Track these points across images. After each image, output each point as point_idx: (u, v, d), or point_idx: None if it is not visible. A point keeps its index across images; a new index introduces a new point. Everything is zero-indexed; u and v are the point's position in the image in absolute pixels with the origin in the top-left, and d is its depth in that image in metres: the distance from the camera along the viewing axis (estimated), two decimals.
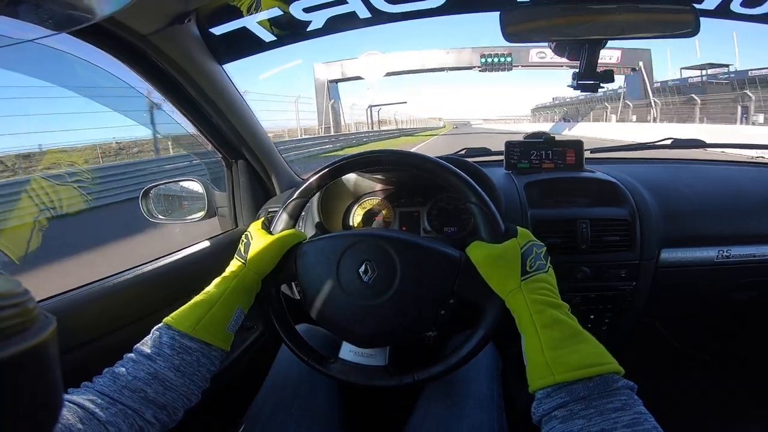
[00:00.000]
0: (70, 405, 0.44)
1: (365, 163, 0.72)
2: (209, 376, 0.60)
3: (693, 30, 0.74)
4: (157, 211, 1.12)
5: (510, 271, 0.55)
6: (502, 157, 1.17)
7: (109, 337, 0.78)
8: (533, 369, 0.49)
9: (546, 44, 0.93)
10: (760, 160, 1.25)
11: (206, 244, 1.05)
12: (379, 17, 0.96)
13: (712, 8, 0.83)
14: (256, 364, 0.95)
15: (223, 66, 0.97)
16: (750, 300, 1.11)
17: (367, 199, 1.15)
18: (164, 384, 0.53)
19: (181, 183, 1.15)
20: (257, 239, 0.69)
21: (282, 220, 0.72)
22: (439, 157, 0.98)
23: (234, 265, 0.68)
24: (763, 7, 0.82)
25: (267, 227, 0.72)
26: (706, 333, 1.43)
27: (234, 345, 1.03)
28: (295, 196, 0.72)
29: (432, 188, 1.10)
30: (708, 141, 1.21)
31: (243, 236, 0.72)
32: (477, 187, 0.64)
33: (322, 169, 0.72)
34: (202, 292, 0.64)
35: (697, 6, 0.79)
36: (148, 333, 0.59)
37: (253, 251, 0.67)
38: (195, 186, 1.14)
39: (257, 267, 0.67)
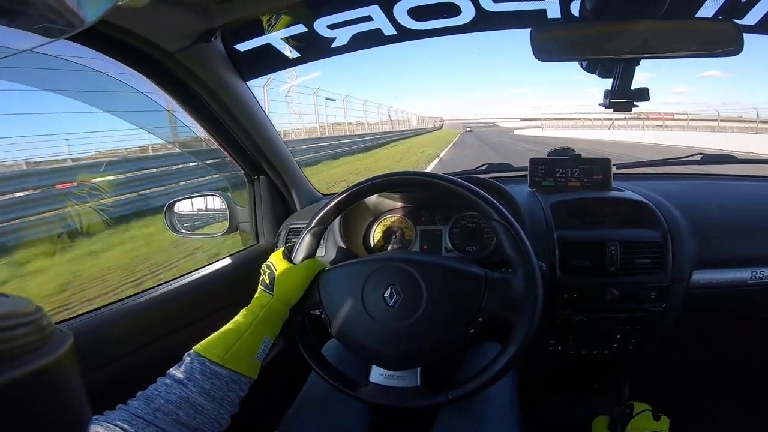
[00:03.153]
0: (110, 425, 0.46)
1: (382, 187, 0.73)
2: (238, 401, 0.61)
3: (737, 48, 0.71)
4: (181, 225, 1.14)
5: None
6: (524, 173, 1.15)
7: (137, 355, 0.80)
8: None
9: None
10: None
11: (228, 261, 1.06)
12: (405, 34, 0.96)
13: (753, 24, 0.80)
14: (281, 384, 0.95)
15: (246, 82, 0.97)
16: None
17: (387, 217, 1.15)
18: (195, 408, 0.55)
19: (203, 198, 1.16)
20: (282, 270, 0.70)
21: (303, 248, 0.73)
22: (458, 174, 0.97)
23: (261, 296, 0.70)
24: None
25: (288, 256, 0.74)
26: (736, 355, 1.39)
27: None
28: (314, 224, 0.73)
29: (454, 206, 1.09)
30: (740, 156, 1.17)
31: (264, 267, 0.73)
32: (500, 206, 0.65)
33: (341, 195, 0.73)
34: (231, 322, 0.66)
35: (738, 22, 0.77)
36: (178, 349, 0.61)
37: (279, 282, 0.69)
38: (217, 201, 1.15)
39: (284, 297, 0.69)
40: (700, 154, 1.17)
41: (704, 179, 1.24)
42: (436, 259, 0.69)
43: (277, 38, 0.95)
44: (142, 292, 0.87)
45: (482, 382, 0.63)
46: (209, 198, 1.15)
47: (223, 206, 1.15)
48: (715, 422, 1.29)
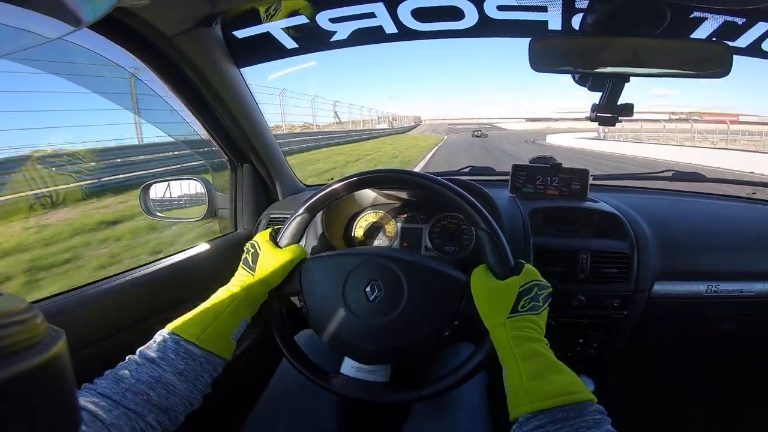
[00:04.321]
0: None
1: (378, 181, 0.73)
2: (211, 381, 0.61)
3: (725, 70, 0.73)
4: (156, 207, 1.09)
5: (500, 307, 0.58)
6: (506, 178, 1.18)
7: (110, 339, 0.77)
8: (514, 397, 0.52)
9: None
10: (755, 196, 1.30)
11: (206, 246, 1.03)
12: (406, 34, 0.95)
13: (744, 46, 0.84)
14: (253, 369, 0.95)
15: (241, 69, 0.94)
16: (732, 333, 1.17)
17: (370, 212, 1.15)
18: (167, 388, 0.53)
19: (182, 181, 1.11)
20: (266, 252, 0.69)
21: (289, 233, 0.72)
22: (441, 175, 0.98)
23: (242, 275, 0.68)
24: None
25: (274, 239, 0.72)
26: (690, 361, 1.50)
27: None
28: (302, 211, 0.72)
29: (435, 206, 1.11)
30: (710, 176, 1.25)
31: (249, 245, 0.72)
32: (488, 215, 0.65)
33: (334, 184, 0.72)
34: (208, 301, 0.64)
35: (730, 44, 0.79)
36: (149, 335, 0.59)
37: (262, 263, 0.68)
38: (196, 185, 1.11)
39: (266, 279, 0.68)
40: (672, 170, 1.24)
41: (674, 195, 1.31)
42: (420, 259, 0.69)
43: (277, 28, 0.93)
44: (114, 275, 0.84)
45: (451, 383, 0.64)
46: (188, 182, 1.11)
47: (202, 191, 1.11)
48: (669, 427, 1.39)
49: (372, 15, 0.93)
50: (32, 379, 0.21)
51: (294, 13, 0.89)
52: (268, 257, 0.68)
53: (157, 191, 1.09)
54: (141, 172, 6.61)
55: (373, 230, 1.15)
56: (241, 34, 0.90)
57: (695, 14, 0.76)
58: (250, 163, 1.10)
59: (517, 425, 0.50)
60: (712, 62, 0.72)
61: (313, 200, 0.72)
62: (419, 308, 0.65)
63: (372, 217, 1.15)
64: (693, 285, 1.04)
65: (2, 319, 0.21)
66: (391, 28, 0.95)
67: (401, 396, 0.68)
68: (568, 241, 1.01)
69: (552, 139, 31.36)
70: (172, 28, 0.75)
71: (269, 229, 0.74)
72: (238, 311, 0.64)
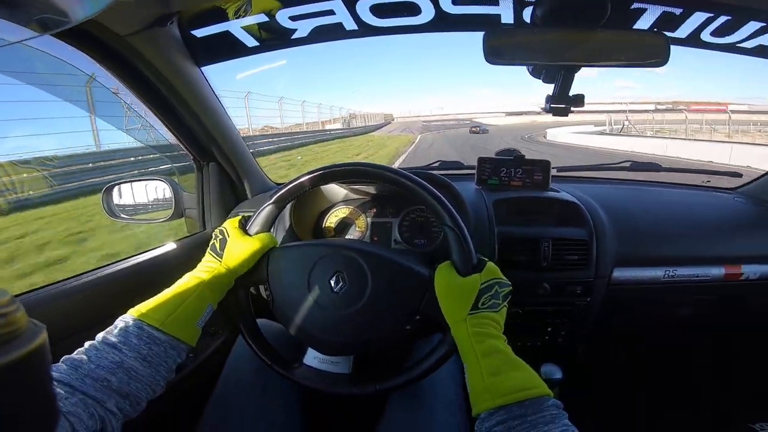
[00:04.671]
0: None
1: (345, 175, 0.73)
2: (175, 367, 0.60)
3: (663, 59, 0.76)
4: (120, 209, 1.08)
5: (461, 304, 0.59)
6: (473, 171, 1.20)
7: (73, 338, 0.75)
8: (475, 394, 0.53)
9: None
10: (708, 184, 1.35)
11: (173, 246, 1.03)
12: (365, 30, 0.96)
13: (683, 37, 0.88)
14: (222, 369, 0.94)
15: (201, 68, 0.94)
16: (689, 316, 1.21)
17: (340, 208, 1.16)
18: (129, 374, 0.52)
19: (146, 182, 1.10)
20: (235, 238, 0.69)
21: (259, 222, 0.72)
22: (409, 169, 1.00)
23: (208, 261, 0.68)
24: (730, 37, 0.86)
25: (243, 226, 0.72)
26: (651, 346, 1.54)
27: (199, 349, 1.03)
28: (273, 200, 0.72)
29: (404, 200, 1.12)
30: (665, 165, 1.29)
31: (217, 232, 0.71)
32: (455, 212, 0.66)
33: (302, 177, 0.72)
34: (173, 286, 0.63)
35: (668, 34, 0.84)
36: None
37: (230, 250, 0.67)
38: (162, 186, 1.10)
39: (232, 266, 0.67)
40: (630, 161, 1.29)
41: (632, 185, 1.36)
42: (385, 253, 0.69)
43: (237, 26, 0.93)
44: (77, 275, 0.83)
45: (411, 377, 0.65)
46: (153, 183, 1.10)
47: (168, 191, 1.10)
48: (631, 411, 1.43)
49: (331, 12, 0.93)
50: (12, 372, 0.21)
51: (254, 11, 0.89)
52: (236, 244, 0.68)
53: (121, 193, 1.08)
54: (96, 180, 6.46)
55: (344, 225, 1.16)
56: (200, 33, 0.89)
57: (636, 5, 0.79)
58: (215, 161, 1.10)
59: (479, 421, 0.51)
60: (650, 52, 0.75)
61: (283, 191, 0.72)
62: (382, 301, 0.65)
63: (342, 212, 1.16)
64: (651, 270, 1.08)
65: None
66: (350, 25, 0.97)
67: (361, 389, 0.68)
68: (530, 230, 1.04)
69: (556, 135, 24.72)
70: (125, 28, 0.74)
71: (239, 217, 0.74)
72: (204, 297, 0.63)
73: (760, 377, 1.40)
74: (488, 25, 0.94)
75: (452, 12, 0.94)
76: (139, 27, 0.76)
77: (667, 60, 0.74)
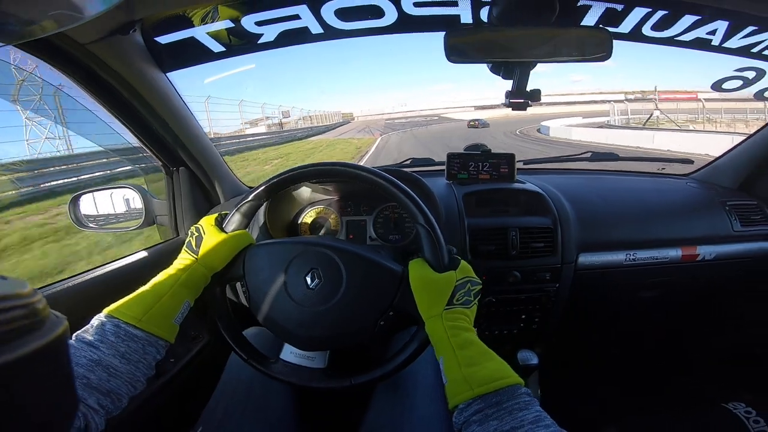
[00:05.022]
0: None
1: (321, 174, 0.74)
2: (155, 363, 0.59)
3: (607, 54, 0.81)
4: (88, 219, 1.06)
5: (438, 299, 0.61)
6: (444, 168, 1.24)
7: None
8: (454, 385, 0.54)
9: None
10: (663, 171, 1.43)
11: (144, 254, 1.01)
12: (331, 33, 0.98)
13: (627, 32, 0.93)
14: (204, 373, 0.94)
15: (167, 74, 0.93)
16: (654, 298, 1.28)
17: (314, 208, 1.17)
18: (108, 371, 0.52)
19: (115, 190, 1.08)
20: (211, 236, 0.69)
21: (235, 219, 0.73)
22: (382, 168, 1.02)
23: (184, 258, 0.68)
24: (669, 30, 0.92)
25: (219, 224, 0.72)
26: (621, 329, 1.61)
27: (180, 354, 1.02)
28: (249, 198, 0.73)
29: (377, 198, 1.14)
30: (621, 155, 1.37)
31: (193, 229, 0.71)
32: (427, 210, 0.68)
33: (278, 177, 0.73)
34: (149, 284, 0.63)
35: (612, 30, 0.88)
36: None
37: (206, 247, 0.68)
38: (131, 194, 1.09)
39: (209, 263, 0.67)
40: (591, 152, 1.35)
41: (593, 174, 1.43)
42: (360, 250, 0.70)
43: (201, 32, 0.92)
44: (45, 286, 0.81)
45: (386, 371, 0.67)
46: (121, 191, 1.09)
47: (138, 198, 1.09)
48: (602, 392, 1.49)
49: (297, 17, 0.94)
50: (32, 364, 0.21)
51: (219, 18, 0.89)
52: (212, 241, 0.68)
53: (89, 202, 1.06)
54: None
55: (318, 224, 1.18)
56: (164, 39, 0.89)
57: (582, 2, 0.84)
58: (185, 166, 1.09)
59: (457, 412, 0.52)
60: (595, 47, 0.80)
61: (260, 189, 0.73)
62: (356, 297, 0.67)
63: (316, 212, 1.18)
64: (613, 255, 1.14)
65: (6, 302, 0.21)
66: (316, 29, 0.98)
67: (336, 383, 0.69)
68: (498, 220, 1.08)
69: (554, 131, 20.42)
70: (86, 36, 0.74)
71: (215, 214, 0.74)
72: (180, 294, 0.63)
73: (729, 357, 1.47)
74: (448, 25, 0.97)
75: (414, 14, 0.97)
76: (100, 35, 0.75)
77: (611, 54, 0.79)
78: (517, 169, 1.22)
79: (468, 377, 0.53)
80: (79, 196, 1.04)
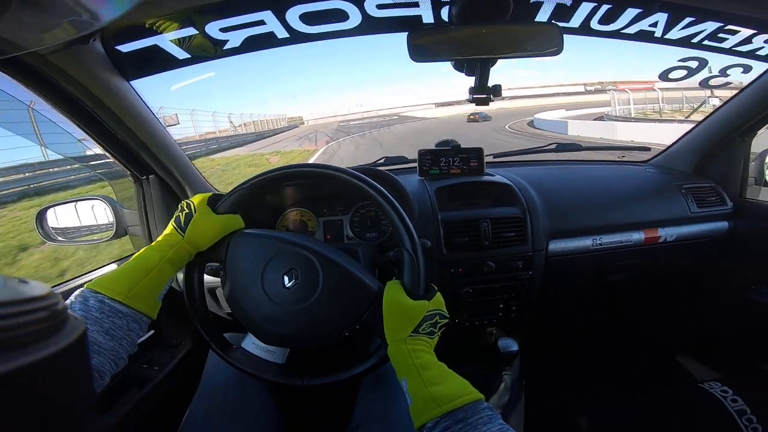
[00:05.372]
0: None
1: (321, 176, 0.74)
2: (138, 340, 0.59)
3: (558, 48, 0.85)
4: (57, 232, 1.04)
5: (406, 325, 0.62)
6: (416, 165, 1.27)
7: None
8: (421, 404, 0.55)
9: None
10: (624, 159, 1.51)
11: (114, 266, 1.00)
12: (297, 37, 0.99)
13: (577, 26, 0.97)
14: (188, 380, 0.94)
15: (131, 82, 0.92)
16: (623, 282, 1.33)
17: (289, 211, 1.18)
18: (92, 347, 0.52)
19: (83, 202, 1.06)
20: (202, 215, 0.69)
21: (230, 202, 0.73)
22: (356, 167, 1.04)
23: (171, 234, 0.68)
24: (615, 24, 0.96)
25: (212, 203, 0.72)
26: (593, 314, 1.67)
27: (164, 362, 1.01)
28: (248, 185, 0.73)
29: (352, 197, 1.16)
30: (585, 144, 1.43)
31: (183, 205, 0.71)
32: (416, 237, 0.68)
33: (275, 171, 0.73)
34: (133, 259, 0.63)
35: (563, 25, 0.93)
36: None
37: (195, 226, 0.68)
38: (100, 205, 1.07)
39: (195, 242, 0.68)
40: (555, 143, 1.41)
41: (558, 164, 1.49)
42: (341, 260, 0.70)
43: (164, 40, 0.92)
44: None
45: (339, 380, 0.69)
46: (90, 202, 1.07)
47: (108, 210, 1.07)
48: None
49: (262, 22, 0.95)
50: (53, 366, 0.21)
51: (182, 26, 0.89)
52: (202, 221, 0.69)
53: (57, 215, 1.03)
54: None
55: (297, 225, 1.18)
56: (126, 48, 0.88)
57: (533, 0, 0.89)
58: (155, 174, 1.08)
59: (425, 431, 0.53)
60: (547, 42, 0.84)
61: (259, 179, 0.73)
62: (328, 306, 0.68)
63: (293, 216, 1.18)
64: (580, 240, 1.19)
65: (29, 305, 0.21)
66: (282, 33, 0.99)
67: (289, 380, 0.71)
68: (470, 212, 1.12)
69: (550, 125, 19.32)
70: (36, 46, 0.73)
71: (208, 193, 0.74)
72: (165, 271, 0.64)
73: (699, 338, 1.53)
74: (411, 25, 1.00)
75: (377, 16, 0.99)
76: (58, 45, 0.74)
77: (562, 48, 0.83)
78: (488, 162, 1.26)
79: (434, 395, 0.54)
80: (46, 209, 1.01)
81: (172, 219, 0.70)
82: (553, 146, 1.40)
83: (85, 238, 1.08)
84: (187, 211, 0.69)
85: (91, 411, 0.26)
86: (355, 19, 1.00)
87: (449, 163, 1.24)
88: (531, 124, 22.64)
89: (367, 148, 17.14)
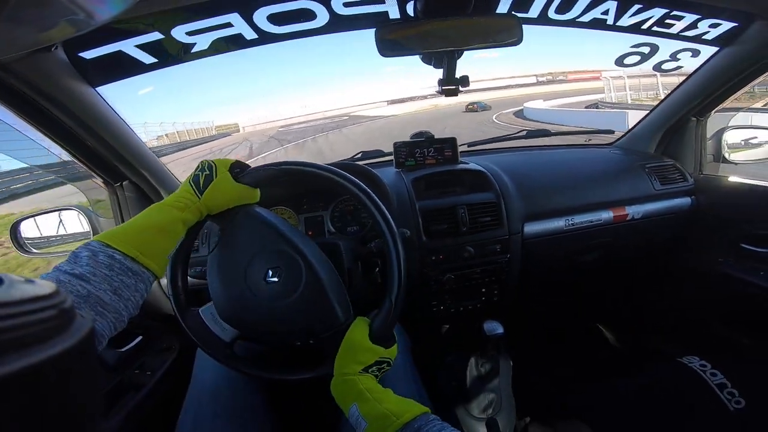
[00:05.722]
0: None
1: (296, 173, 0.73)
2: (142, 302, 0.56)
3: (518, 39, 0.89)
4: (32, 244, 1.02)
5: (358, 363, 0.65)
6: (392, 158, 1.30)
7: None
8: (377, 422, 0.57)
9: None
10: (590, 142, 1.57)
11: None
12: (266, 38, 0.99)
13: (535, 16, 1.01)
14: (181, 383, 0.94)
15: (98, 89, 0.91)
16: (597, 261, 1.39)
17: (273, 208, 1.19)
18: (96, 309, 0.48)
19: (57, 213, 1.05)
20: (223, 180, 0.68)
21: (255, 176, 0.71)
22: (333, 163, 1.06)
23: (187, 193, 0.65)
24: (570, 12, 1.00)
25: (234, 170, 0.70)
26: (571, 295, 1.73)
27: (156, 366, 1.01)
28: (276, 167, 0.72)
29: (332, 192, 1.18)
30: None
31: (205, 166, 0.68)
32: (400, 280, 0.68)
33: (303, 165, 0.73)
34: (144, 216, 0.60)
35: (522, 15, 0.96)
36: None
37: (214, 191, 0.66)
38: (74, 215, 1.05)
39: (209, 205, 0.67)
40: (525, 130, 1.46)
41: (529, 150, 1.55)
42: (327, 280, 0.70)
43: (130, 45, 0.90)
44: None
45: (272, 377, 0.71)
46: (64, 212, 1.05)
47: (83, 219, 1.05)
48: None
49: (229, 25, 0.95)
50: (61, 365, 0.21)
51: (147, 31, 0.88)
52: (222, 187, 0.67)
53: (30, 227, 1.01)
54: None
55: None
56: (89, 54, 0.86)
57: None
58: (128, 180, 1.07)
59: None
60: (508, 33, 0.88)
61: (291, 167, 0.72)
62: (296, 315, 0.69)
63: (275, 212, 1.19)
64: (554, 222, 1.24)
65: (36, 304, 0.21)
66: (251, 35, 0.99)
67: (225, 360, 0.72)
68: (447, 200, 1.15)
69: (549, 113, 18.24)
70: (3, 55, 0.71)
71: (232, 159, 0.72)
72: (179, 231, 0.62)
73: (673, 313, 1.59)
74: (378, 21, 1.02)
75: (344, 13, 1.01)
76: (18, 54, 0.73)
77: (522, 39, 0.87)
78: (463, 151, 1.30)
79: (389, 411, 0.57)
80: (20, 221, 0.99)
81: (189, 178, 0.68)
82: (523, 133, 1.45)
83: (61, 248, 1.07)
84: (207, 173, 0.67)
85: (98, 412, 0.26)
86: (322, 17, 1.01)
87: (424, 153, 1.28)
88: (520, 114, 21.40)
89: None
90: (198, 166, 0.69)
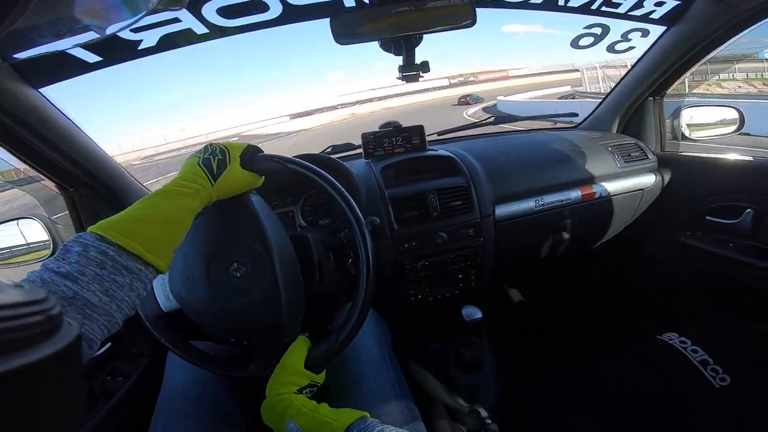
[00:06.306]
0: None
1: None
2: (139, 302, 0.50)
3: (472, 21, 0.90)
4: None
5: (293, 385, 0.65)
6: (362, 150, 1.29)
7: None
8: (323, 429, 0.56)
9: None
10: (556, 126, 1.60)
11: None
12: (217, 32, 0.97)
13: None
14: (154, 389, 0.92)
15: (42, 89, 0.87)
16: (569, 241, 1.41)
17: None
18: (83, 311, 0.42)
19: (11, 223, 1.00)
20: (236, 168, 0.63)
21: (264, 166, 0.68)
22: (302, 156, 1.04)
23: (199, 178, 0.59)
24: None
25: (243, 157, 0.65)
26: (546, 276, 1.75)
27: (128, 372, 0.98)
28: (285, 161, 0.69)
29: (301, 186, 1.16)
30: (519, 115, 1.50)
31: (217, 150, 0.63)
32: (362, 311, 0.67)
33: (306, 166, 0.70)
34: (148, 204, 0.53)
35: None
36: None
37: (227, 179, 0.62)
38: (31, 224, 1.01)
39: (221, 193, 0.62)
40: (493, 116, 1.47)
41: (497, 135, 1.56)
42: (285, 295, 0.68)
43: (69, 44, 0.87)
44: None
45: (205, 366, 0.71)
46: (18, 222, 1.00)
47: (41, 228, 1.01)
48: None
49: (177, 20, 0.92)
50: (45, 370, 0.20)
51: (84, 30, 0.85)
52: (235, 175, 0.63)
53: None
54: None
55: None
56: (25, 55, 0.83)
57: None
58: (84, 184, 1.02)
59: None
60: (462, 16, 0.89)
61: (300, 168, 0.69)
62: (245, 320, 0.68)
63: None
64: (524, 203, 1.25)
65: (26, 308, 0.20)
66: (201, 29, 0.96)
67: (157, 333, 0.71)
68: (416, 186, 1.15)
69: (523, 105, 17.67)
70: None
71: (245, 145, 0.67)
72: (187, 221, 0.56)
73: (649, 291, 1.62)
74: (332, 10, 1.01)
75: (298, 3, 0.99)
76: None
77: (476, 21, 0.88)
78: (432, 140, 1.30)
79: (331, 416, 0.57)
80: None
81: (199, 160, 0.61)
82: (492, 119, 1.47)
83: (19, 258, 1.02)
84: (220, 157, 0.62)
85: (79, 421, 0.25)
86: (275, 9, 1.00)
87: (392, 143, 1.28)
88: (494, 110, 20.23)
89: None
90: (206, 148, 0.63)
